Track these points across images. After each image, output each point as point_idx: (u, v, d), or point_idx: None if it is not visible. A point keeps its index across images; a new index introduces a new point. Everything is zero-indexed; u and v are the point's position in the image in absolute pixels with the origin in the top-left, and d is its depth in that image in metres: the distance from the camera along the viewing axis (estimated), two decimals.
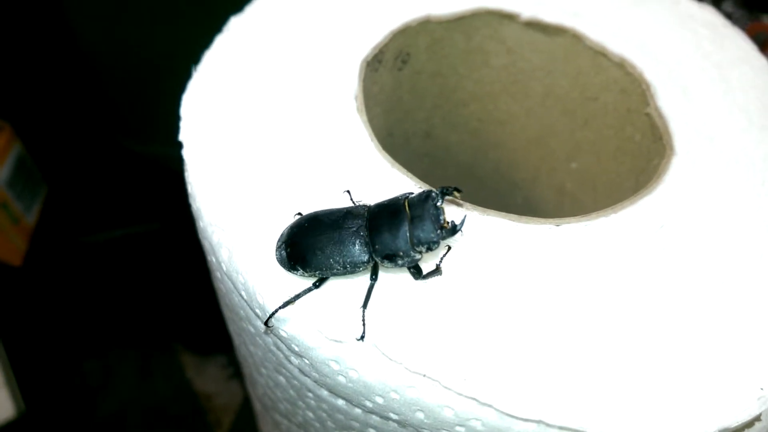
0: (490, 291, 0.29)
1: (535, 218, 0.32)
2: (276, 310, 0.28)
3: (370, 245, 0.28)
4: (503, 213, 0.32)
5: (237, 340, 0.42)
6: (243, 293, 0.31)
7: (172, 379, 0.77)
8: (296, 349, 0.30)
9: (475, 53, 0.47)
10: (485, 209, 0.32)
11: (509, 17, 0.45)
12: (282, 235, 0.30)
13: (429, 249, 0.28)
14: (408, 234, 0.27)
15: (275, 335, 0.30)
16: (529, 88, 0.49)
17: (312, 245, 0.28)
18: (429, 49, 0.46)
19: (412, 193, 0.29)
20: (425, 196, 0.28)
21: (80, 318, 0.79)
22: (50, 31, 0.83)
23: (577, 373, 0.27)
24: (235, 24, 0.41)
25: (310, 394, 0.34)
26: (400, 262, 0.28)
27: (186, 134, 0.35)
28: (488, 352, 0.27)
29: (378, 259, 0.28)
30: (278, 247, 0.29)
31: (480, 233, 0.31)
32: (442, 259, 0.30)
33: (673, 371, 0.28)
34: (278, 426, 0.46)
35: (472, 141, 0.55)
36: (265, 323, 0.29)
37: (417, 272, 0.29)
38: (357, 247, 0.28)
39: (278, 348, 0.32)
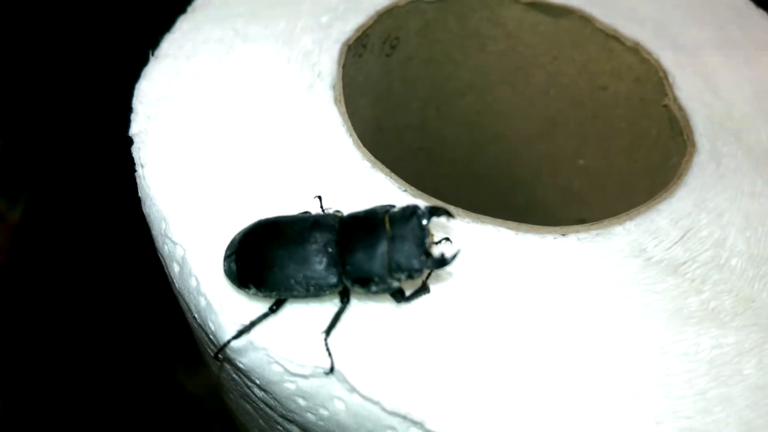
0: (485, 314, 0.25)
1: (537, 227, 0.28)
2: (227, 342, 0.24)
3: (340, 265, 0.24)
4: (500, 220, 0.28)
5: (204, 360, 0.38)
6: (196, 316, 0.26)
7: (163, 382, 0.74)
8: (257, 382, 0.25)
9: (472, 38, 0.43)
10: (479, 216, 0.28)
11: None
12: (232, 242, 0.25)
13: (410, 277, 0.23)
14: (386, 256, 0.23)
15: (233, 366, 0.26)
16: (532, 77, 0.44)
17: (269, 261, 0.24)
18: (420, 32, 0.41)
19: (395, 206, 0.25)
20: (410, 213, 0.24)
21: (63, 316, 0.76)
22: (32, 29, 0.80)
23: (583, 410, 0.23)
24: (201, 3, 0.37)
25: (280, 428, 0.30)
26: (373, 288, 0.23)
27: (138, 129, 0.31)
28: (482, 388, 0.23)
29: (348, 283, 0.24)
30: (227, 257, 0.25)
31: (473, 244, 0.27)
32: (429, 275, 0.25)
33: (703, 412, 0.23)
34: None
35: (469, 135, 0.51)
36: (215, 356, 0.25)
37: (400, 295, 0.24)
38: (324, 266, 0.24)
39: (240, 377, 0.28)
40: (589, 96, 0.42)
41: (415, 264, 0.23)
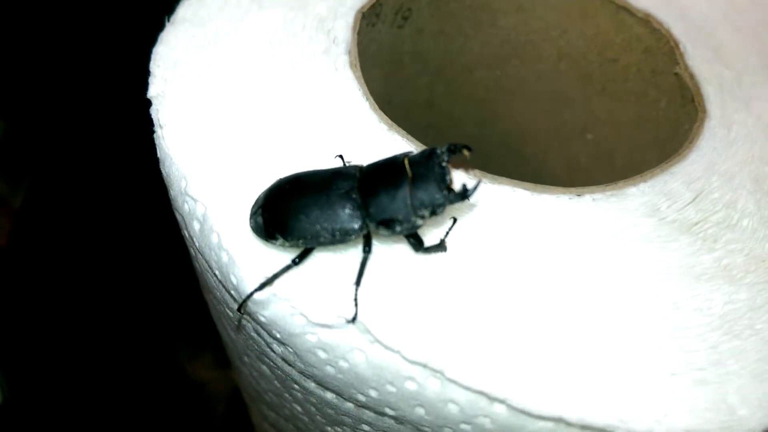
0: (501, 269, 0.25)
1: (552, 187, 0.28)
2: (251, 293, 0.24)
3: (363, 209, 0.24)
4: (517, 181, 0.28)
5: (218, 326, 0.38)
6: (217, 272, 0.27)
7: (166, 367, 0.74)
8: (278, 335, 0.26)
9: (482, 11, 0.43)
10: (496, 177, 0.28)
11: None
12: (258, 199, 0.26)
13: (433, 213, 0.24)
14: (409, 195, 0.23)
15: (254, 320, 0.26)
16: (541, 51, 0.44)
17: (294, 209, 0.24)
18: (432, 4, 0.41)
19: (412, 152, 0.25)
20: (429, 153, 0.24)
21: (65, 300, 0.76)
22: (34, 17, 0.80)
23: (601, 362, 0.24)
24: None
25: (296, 386, 0.30)
26: (398, 228, 0.24)
27: (156, 91, 0.31)
28: (499, 339, 0.24)
29: (372, 226, 0.24)
30: (253, 213, 0.25)
31: (490, 204, 0.27)
32: (447, 233, 0.26)
33: (716, 364, 0.24)
34: (266, 418, 0.42)
35: (477, 112, 0.51)
36: (238, 309, 0.25)
37: (418, 243, 0.25)
38: (348, 210, 0.24)
39: (259, 334, 0.28)
40: (598, 69, 0.43)
41: (438, 198, 0.23)
